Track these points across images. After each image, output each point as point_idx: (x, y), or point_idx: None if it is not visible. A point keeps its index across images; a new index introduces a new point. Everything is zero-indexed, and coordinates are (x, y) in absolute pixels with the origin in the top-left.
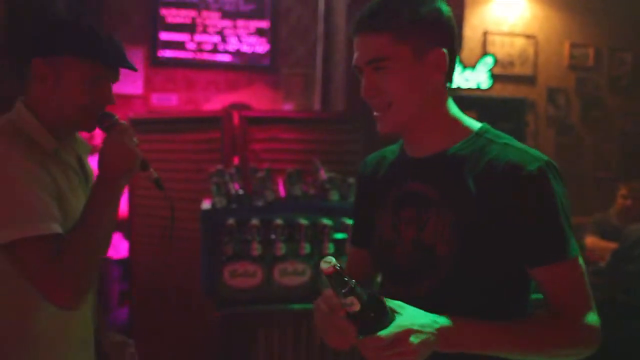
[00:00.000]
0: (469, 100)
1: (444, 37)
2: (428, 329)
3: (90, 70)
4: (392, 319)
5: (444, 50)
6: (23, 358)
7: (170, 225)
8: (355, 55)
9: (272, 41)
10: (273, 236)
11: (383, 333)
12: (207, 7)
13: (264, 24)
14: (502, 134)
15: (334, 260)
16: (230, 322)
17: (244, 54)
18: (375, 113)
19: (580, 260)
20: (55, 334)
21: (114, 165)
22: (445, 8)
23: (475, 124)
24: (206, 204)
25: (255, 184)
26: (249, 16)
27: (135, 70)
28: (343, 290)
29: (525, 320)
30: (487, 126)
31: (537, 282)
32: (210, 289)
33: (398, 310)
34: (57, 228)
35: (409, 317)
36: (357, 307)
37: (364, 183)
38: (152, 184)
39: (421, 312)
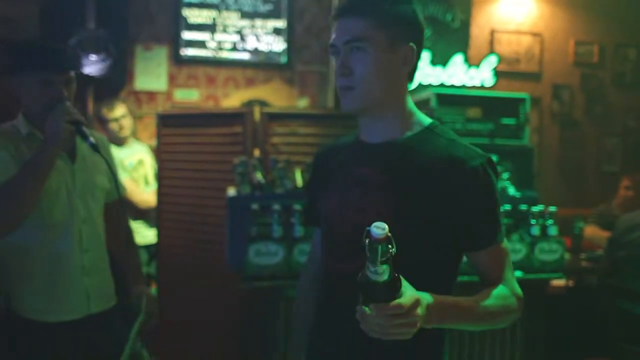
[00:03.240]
0: (473, 98)
1: (416, 36)
2: (425, 303)
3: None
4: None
5: (414, 46)
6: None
7: None
8: (334, 36)
9: (288, 40)
10: (292, 220)
11: (400, 301)
12: (227, 8)
13: (281, 24)
14: (449, 131)
15: (387, 226)
16: (254, 295)
17: (261, 52)
18: (341, 91)
19: (506, 243)
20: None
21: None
22: (420, 11)
23: (426, 119)
24: (231, 192)
25: (276, 173)
26: (266, 16)
27: (57, 71)
28: (382, 258)
29: (482, 294)
30: (437, 122)
31: (474, 263)
32: (236, 267)
33: None
34: None
35: (411, 290)
36: (385, 276)
37: (317, 167)
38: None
39: (413, 288)
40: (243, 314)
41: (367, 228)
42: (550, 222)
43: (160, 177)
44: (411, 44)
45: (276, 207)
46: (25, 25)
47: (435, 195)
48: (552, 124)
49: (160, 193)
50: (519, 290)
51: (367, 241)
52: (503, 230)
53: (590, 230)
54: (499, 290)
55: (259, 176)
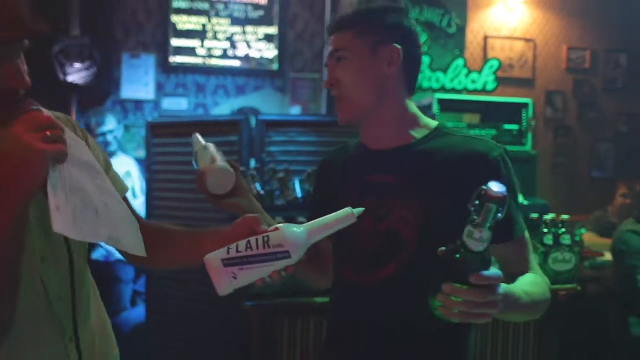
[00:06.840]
0: (474, 104)
1: (399, 37)
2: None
3: None
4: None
5: (398, 46)
6: None
7: None
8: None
9: (280, 47)
10: None
11: (498, 272)
12: (217, 14)
13: (272, 30)
14: (459, 129)
15: (505, 187)
16: (256, 314)
17: (253, 59)
18: (336, 104)
19: (527, 233)
20: None
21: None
22: (407, 19)
23: (433, 122)
24: None
25: (275, 184)
26: (257, 23)
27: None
28: (492, 222)
29: (523, 282)
30: (444, 123)
31: (500, 255)
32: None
33: None
34: None
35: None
36: (484, 246)
37: (323, 174)
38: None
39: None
40: (242, 335)
41: (482, 187)
42: (562, 230)
43: (149, 189)
44: (395, 44)
45: (278, 220)
46: None
47: (459, 192)
48: (545, 130)
49: (149, 206)
50: (546, 277)
51: (477, 202)
52: (523, 222)
53: (589, 237)
54: (534, 278)
55: (257, 187)
